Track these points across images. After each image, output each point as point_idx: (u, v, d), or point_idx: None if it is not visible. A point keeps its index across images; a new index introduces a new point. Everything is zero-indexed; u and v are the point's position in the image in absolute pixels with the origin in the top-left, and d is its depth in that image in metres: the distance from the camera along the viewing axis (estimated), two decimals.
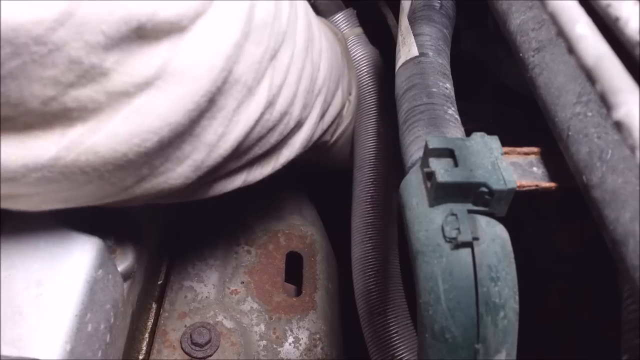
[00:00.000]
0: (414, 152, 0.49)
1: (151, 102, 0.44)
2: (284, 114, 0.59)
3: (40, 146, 0.42)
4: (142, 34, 0.42)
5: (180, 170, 0.51)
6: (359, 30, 0.86)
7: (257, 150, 0.59)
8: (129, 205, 0.56)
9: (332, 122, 0.75)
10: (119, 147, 0.44)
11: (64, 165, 0.43)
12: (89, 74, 0.40)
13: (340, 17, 0.85)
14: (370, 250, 0.74)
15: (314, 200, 0.99)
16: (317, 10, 0.86)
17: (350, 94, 0.80)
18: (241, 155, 0.57)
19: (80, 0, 0.38)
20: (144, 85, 0.43)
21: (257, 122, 0.55)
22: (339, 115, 0.76)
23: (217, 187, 0.60)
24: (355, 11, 0.87)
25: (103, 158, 0.44)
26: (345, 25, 0.85)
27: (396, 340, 0.68)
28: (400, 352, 0.67)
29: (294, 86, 0.59)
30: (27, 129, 0.41)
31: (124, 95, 0.43)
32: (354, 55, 0.84)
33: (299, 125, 0.64)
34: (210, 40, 0.46)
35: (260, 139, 0.58)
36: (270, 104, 0.56)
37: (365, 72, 0.83)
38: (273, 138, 0.60)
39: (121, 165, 0.46)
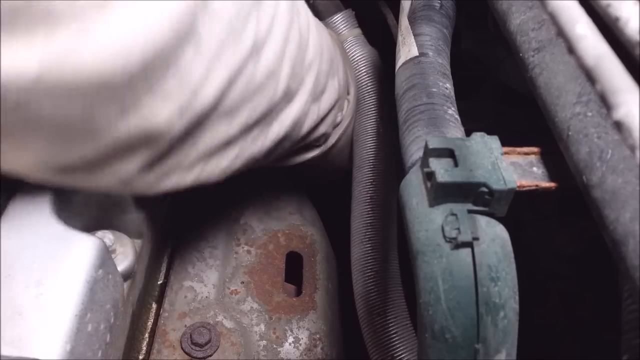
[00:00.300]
0: (414, 152, 0.49)
1: (134, 12, 0.43)
2: (270, 74, 0.58)
3: (23, 57, 0.40)
4: None
5: (165, 110, 0.49)
6: (357, 31, 0.86)
7: (246, 115, 0.58)
8: (127, 189, 0.54)
9: (329, 112, 0.74)
10: (104, 64, 0.42)
11: (47, 83, 0.41)
12: None
13: (339, 18, 0.85)
14: (370, 251, 0.74)
15: (314, 200, 0.99)
16: (316, 11, 0.86)
17: (348, 93, 0.79)
18: (229, 114, 0.56)
19: None
20: None
21: (241, 70, 0.54)
22: (335, 106, 0.75)
23: (212, 163, 0.59)
24: (354, 12, 0.87)
25: (87, 77, 0.42)
26: (344, 26, 0.85)
27: (395, 340, 0.68)
28: (400, 353, 0.67)
29: (281, 44, 0.59)
30: (10, 28, 0.39)
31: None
32: (353, 56, 0.84)
33: (288, 96, 0.63)
34: None
35: (248, 99, 0.57)
36: (254, 52, 0.55)
37: (364, 72, 0.83)
38: (262, 105, 0.59)
39: (105, 87, 0.44)
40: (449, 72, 0.59)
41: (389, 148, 0.80)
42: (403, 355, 0.67)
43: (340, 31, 0.85)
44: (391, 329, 0.68)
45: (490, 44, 0.78)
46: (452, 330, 0.38)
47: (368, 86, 0.83)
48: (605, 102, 0.38)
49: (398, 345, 0.68)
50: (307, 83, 0.66)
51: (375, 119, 0.81)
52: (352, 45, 0.85)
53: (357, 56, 0.84)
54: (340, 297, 0.88)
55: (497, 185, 0.40)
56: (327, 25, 0.85)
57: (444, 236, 0.39)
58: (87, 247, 0.55)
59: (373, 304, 0.71)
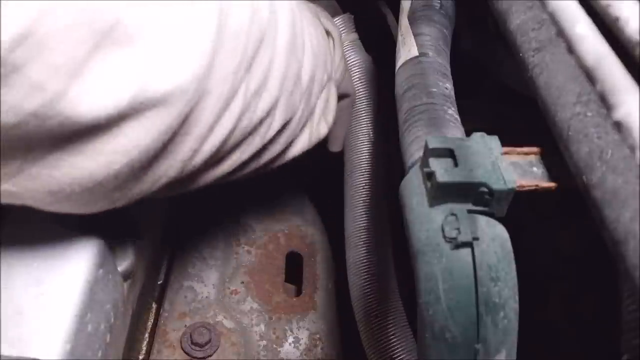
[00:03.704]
0: (414, 152, 0.49)
1: (122, 135, 0.42)
2: (265, 117, 0.57)
3: None
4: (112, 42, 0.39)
5: (151, 186, 0.50)
6: (354, 36, 0.86)
7: (236, 157, 0.57)
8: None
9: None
10: (84, 182, 0.43)
11: (21, 196, 0.43)
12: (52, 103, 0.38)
13: (336, 22, 0.86)
14: (365, 254, 0.74)
15: (314, 200, 0.99)
16: None
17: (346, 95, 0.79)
18: (220, 161, 0.56)
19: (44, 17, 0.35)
20: (116, 119, 0.41)
21: (232, 131, 0.53)
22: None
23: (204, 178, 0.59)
24: (352, 16, 0.87)
25: (65, 192, 0.43)
26: (341, 30, 0.86)
27: (394, 341, 0.68)
28: (399, 354, 0.67)
29: (278, 86, 0.57)
30: None
31: (92, 130, 0.41)
32: (347, 61, 0.85)
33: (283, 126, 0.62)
34: (179, 59, 0.44)
35: (239, 144, 0.56)
36: (247, 110, 0.53)
37: (357, 78, 0.84)
38: (255, 144, 0.58)
39: (89, 191, 0.44)
40: (449, 72, 0.59)
41: (380, 153, 0.81)
42: (403, 356, 0.67)
43: None
44: (389, 330, 0.68)
45: (490, 44, 0.78)
46: (452, 330, 0.38)
47: (360, 92, 0.83)
48: (605, 102, 0.38)
49: (397, 347, 0.68)
50: (301, 108, 0.64)
51: (367, 124, 0.82)
52: (348, 51, 0.85)
53: (351, 62, 0.85)
54: (340, 297, 0.88)
55: (497, 185, 0.40)
56: None
57: (444, 236, 0.39)
58: (87, 247, 0.55)
59: (370, 307, 0.71)
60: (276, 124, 0.60)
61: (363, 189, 0.79)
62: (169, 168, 0.49)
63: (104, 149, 0.42)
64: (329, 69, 0.72)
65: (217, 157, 0.55)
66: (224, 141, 0.53)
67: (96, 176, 0.43)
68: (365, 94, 0.83)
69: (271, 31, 0.55)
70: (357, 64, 0.84)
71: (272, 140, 0.61)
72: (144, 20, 0.41)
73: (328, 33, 0.75)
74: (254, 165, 0.62)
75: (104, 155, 0.42)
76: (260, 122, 0.57)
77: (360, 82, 0.84)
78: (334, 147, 0.85)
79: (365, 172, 0.80)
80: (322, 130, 0.73)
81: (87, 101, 0.39)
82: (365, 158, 0.81)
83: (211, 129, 0.50)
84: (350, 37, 0.86)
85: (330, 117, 0.74)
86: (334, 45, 0.76)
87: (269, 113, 0.57)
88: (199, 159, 0.51)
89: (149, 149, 0.44)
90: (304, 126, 0.69)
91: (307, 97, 0.65)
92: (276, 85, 0.57)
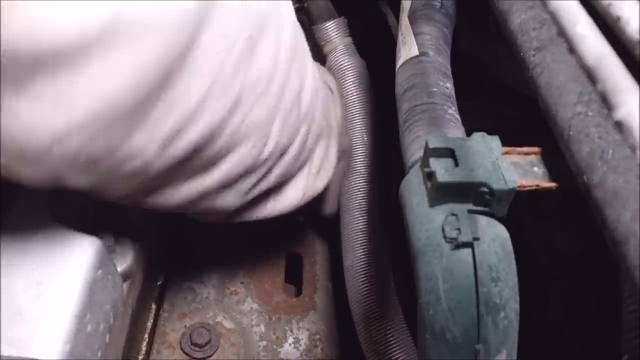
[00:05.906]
0: (414, 151, 0.49)
1: (89, 75, 0.38)
2: (257, 130, 0.54)
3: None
4: None
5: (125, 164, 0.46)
6: (348, 40, 0.87)
7: (225, 169, 0.54)
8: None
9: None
10: (42, 135, 0.38)
11: None
12: None
13: (331, 25, 0.86)
14: (362, 257, 0.74)
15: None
16: (310, 16, 0.86)
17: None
18: (206, 168, 0.53)
19: None
20: (84, 48, 0.36)
21: (221, 125, 0.49)
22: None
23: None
24: (346, 20, 0.87)
25: (20, 145, 0.38)
26: (336, 34, 0.86)
27: (392, 344, 0.68)
28: (397, 356, 0.67)
29: (275, 98, 0.54)
30: None
31: (55, 62, 0.36)
32: (341, 65, 0.85)
33: (279, 152, 0.59)
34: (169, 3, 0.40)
35: (229, 150, 0.53)
36: (239, 104, 0.50)
37: (351, 81, 0.84)
38: (246, 161, 0.55)
39: (48, 148, 0.39)
40: (449, 71, 0.59)
41: (375, 155, 0.81)
42: (401, 358, 0.67)
43: (332, 38, 0.86)
44: (388, 332, 0.69)
45: (490, 44, 0.78)
46: (452, 331, 0.38)
47: (353, 95, 0.83)
48: (606, 102, 0.38)
49: (395, 349, 0.68)
50: (298, 141, 0.62)
51: (361, 128, 0.82)
52: (342, 54, 0.85)
53: (345, 65, 0.85)
54: (340, 298, 0.88)
55: (497, 185, 0.40)
56: (319, 31, 0.85)
57: (445, 236, 0.39)
58: (87, 247, 0.55)
59: (368, 309, 0.71)
60: (271, 142, 0.56)
61: (358, 191, 0.79)
62: (148, 143, 0.44)
63: (67, 90, 0.38)
64: (329, 118, 0.70)
65: (204, 159, 0.51)
66: (211, 135, 0.49)
67: (56, 125, 0.38)
68: (359, 97, 0.83)
69: (272, 25, 0.52)
70: (351, 67, 0.85)
71: (265, 163, 0.58)
72: None
73: (330, 89, 0.75)
74: (242, 189, 0.59)
75: (67, 97, 0.38)
76: (255, 128, 0.53)
77: (354, 85, 0.84)
78: (329, 209, 0.83)
79: (360, 175, 0.80)
80: (319, 183, 0.70)
81: (58, 23, 0.35)
82: (360, 161, 0.81)
83: (197, 109, 0.46)
84: (344, 41, 0.86)
85: (329, 171, 0.72)
86: (333, 99, 0.75)
87: (264, 124, 0.54)
88: (183, 145, 0.47)
89: (118, 99, 0.39)
90: (300, 167, 0.66)
91: (305, 130, 0.62)
92: (276, 91, 0.54)
